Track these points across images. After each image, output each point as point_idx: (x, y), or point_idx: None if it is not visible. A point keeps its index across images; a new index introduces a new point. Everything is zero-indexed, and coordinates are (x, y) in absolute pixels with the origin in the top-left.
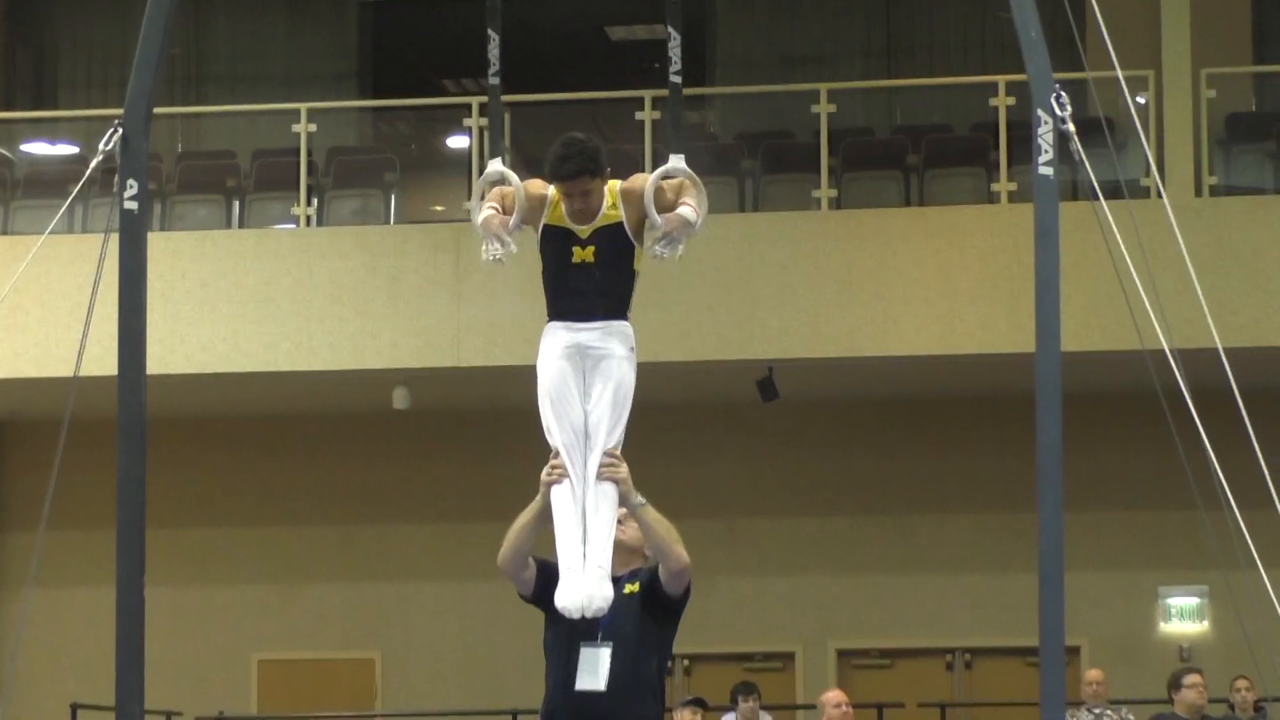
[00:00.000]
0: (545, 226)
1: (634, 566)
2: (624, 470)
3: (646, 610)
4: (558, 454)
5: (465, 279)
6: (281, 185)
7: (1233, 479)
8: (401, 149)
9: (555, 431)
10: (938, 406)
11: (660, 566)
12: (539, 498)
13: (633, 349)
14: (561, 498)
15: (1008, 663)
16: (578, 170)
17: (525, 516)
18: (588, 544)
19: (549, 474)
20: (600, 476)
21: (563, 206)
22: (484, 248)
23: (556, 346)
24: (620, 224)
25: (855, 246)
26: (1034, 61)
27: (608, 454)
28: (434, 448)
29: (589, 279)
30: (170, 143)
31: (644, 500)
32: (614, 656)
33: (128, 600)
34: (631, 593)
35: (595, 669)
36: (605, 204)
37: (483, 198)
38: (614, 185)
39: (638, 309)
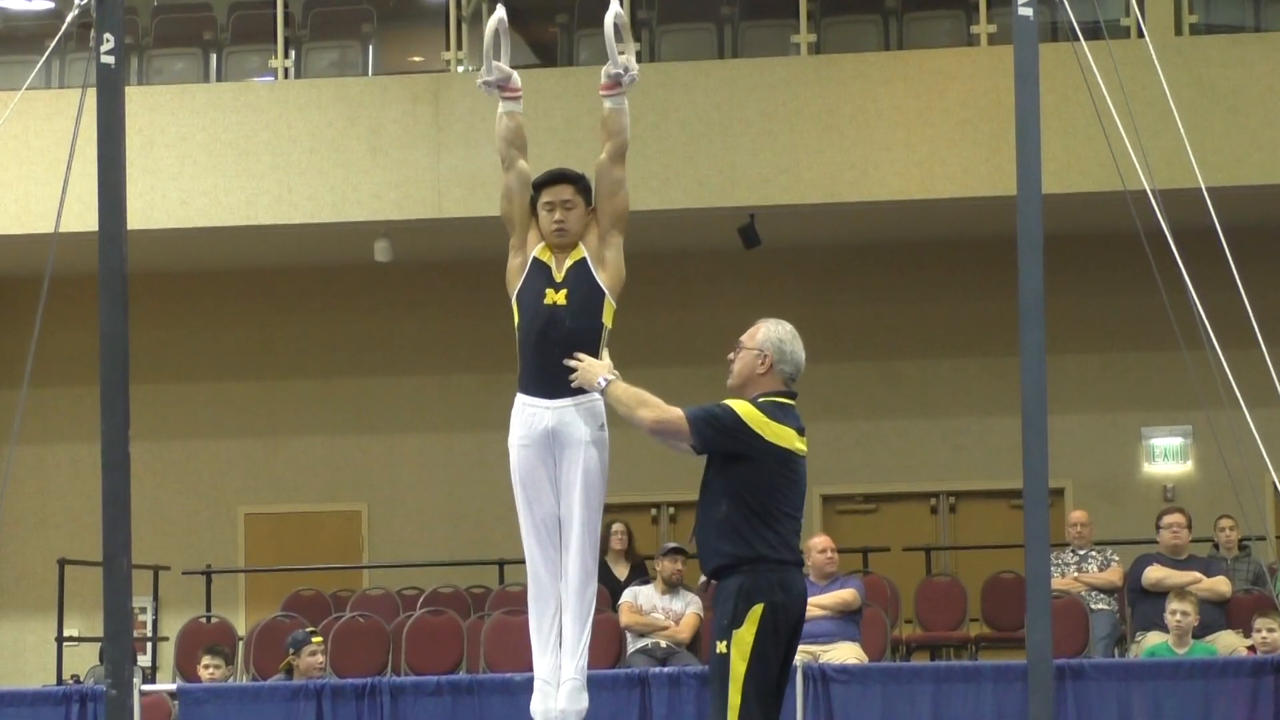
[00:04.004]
0: (532, 261)
1: None
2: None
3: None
4: None
5: (445, 129)
6: (259, 38)
7: (1215, 318)
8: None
9: (525, 520)
10: (920, 251)
11: None
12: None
13: (603, 426)
14: (535, 597)
15: (992, 505)
16: (562, 175)
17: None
18: (563, 652)
19: None
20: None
21: (545, 222)
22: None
23: (524, 433)
24: (586, 260)
25: (835, 92)
26: None
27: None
28: (416, 299)
29: (560, 326)
30: None
31: (609, 380)
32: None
33: (113, 455)
34: None
35: None
36: (579, 250)
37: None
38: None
39: None
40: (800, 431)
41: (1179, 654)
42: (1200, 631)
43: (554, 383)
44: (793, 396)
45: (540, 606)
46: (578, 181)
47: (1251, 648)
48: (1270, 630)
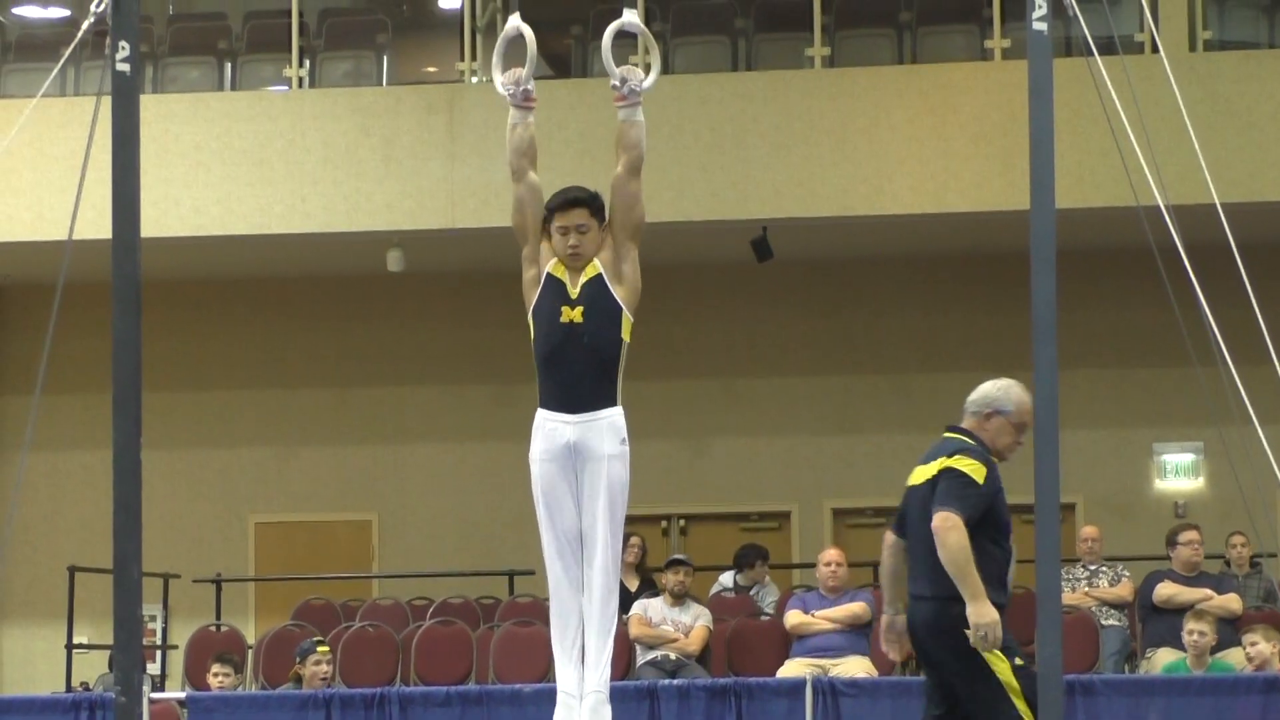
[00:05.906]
0: (546, 277)
1: None
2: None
3: None
4: None
5: (459, 140)
6: (273, 47)
7: (1227, 334)
8: (393, 9)
9: (547, 535)
10: (932, 265)
11: None
12: None
13: (624, 440)
14: (557, 612)
15: None
16: (575, 199)
17: None
18: (586, 664)
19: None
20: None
21: (559, 245)
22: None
23: (546, 448)
24: (601, 275)
25: (849, 105)
26: None
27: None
28: (429, 310)
29: (577, 344)
30: (162, 4)
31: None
32: None
33: (124, 463)
34: None
35: None
36: (594, 266)
37: (503, 55)
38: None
39: None
40: (927, 459)
41: (1197, 674)
42: (1212, 649)
43: (574, 398)
44: (953, 429)
45: (563, 620)
46: (591, 203)
47: None
48: (1253, 644)
